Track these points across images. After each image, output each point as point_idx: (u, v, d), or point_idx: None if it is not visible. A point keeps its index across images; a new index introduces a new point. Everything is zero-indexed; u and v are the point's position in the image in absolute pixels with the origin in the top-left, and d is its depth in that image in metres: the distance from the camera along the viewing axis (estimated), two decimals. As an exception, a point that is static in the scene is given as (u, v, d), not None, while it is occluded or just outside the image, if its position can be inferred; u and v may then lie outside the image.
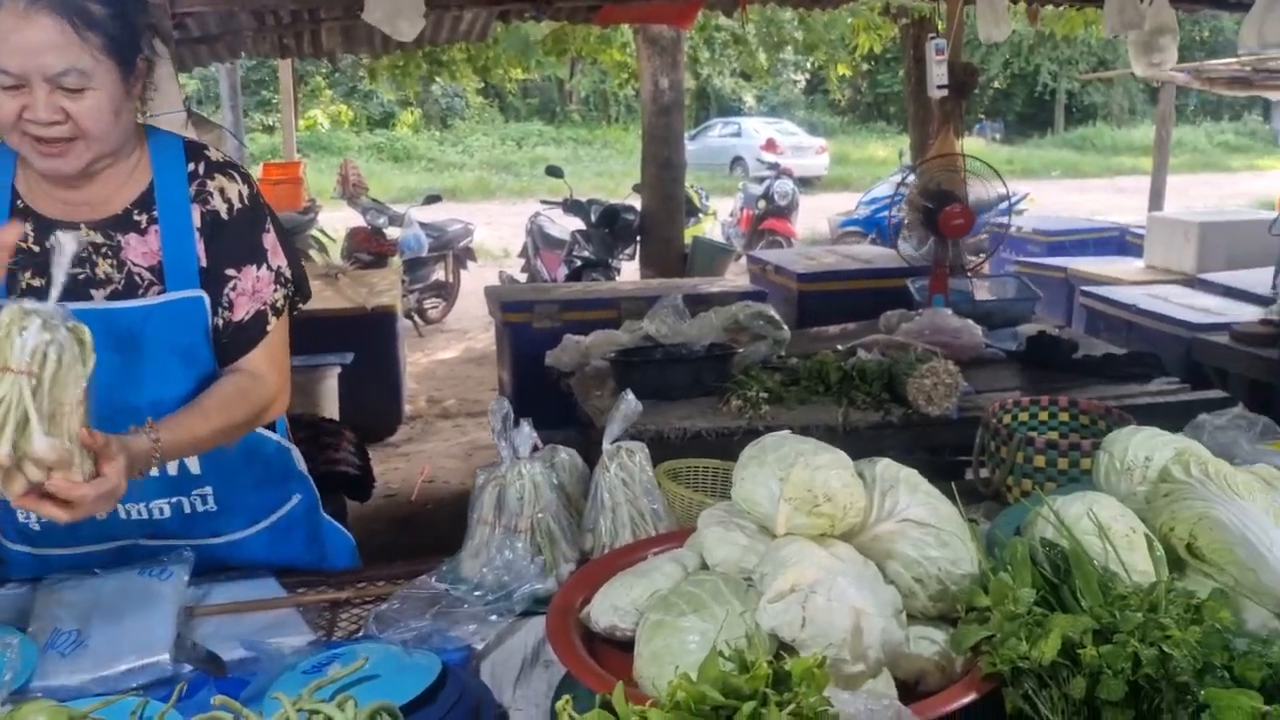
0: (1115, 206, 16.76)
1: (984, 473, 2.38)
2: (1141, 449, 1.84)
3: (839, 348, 4.22)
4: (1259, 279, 5.98)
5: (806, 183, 21.15)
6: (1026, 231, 9.84)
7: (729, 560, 1.57)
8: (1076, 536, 1.64)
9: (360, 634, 1.80)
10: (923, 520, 1.57)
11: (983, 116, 33.60)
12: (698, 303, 4.82)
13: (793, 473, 1.50)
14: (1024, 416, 2.46)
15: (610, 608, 1.62)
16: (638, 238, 8.80)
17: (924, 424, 3.48)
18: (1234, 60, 10.54)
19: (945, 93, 4.96)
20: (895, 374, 3.67)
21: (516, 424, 2.07)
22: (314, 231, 11.41)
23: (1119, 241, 9.41)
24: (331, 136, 25.76)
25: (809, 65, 25.08)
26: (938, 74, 4.86)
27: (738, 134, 24.73)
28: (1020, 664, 1.39)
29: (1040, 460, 2.18)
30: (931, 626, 1.54)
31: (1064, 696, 1.36)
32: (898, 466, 1.66)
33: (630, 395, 2.05)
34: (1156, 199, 11.03)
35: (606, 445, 2.07)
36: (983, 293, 4.93)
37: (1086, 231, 9.70)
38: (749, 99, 29.62)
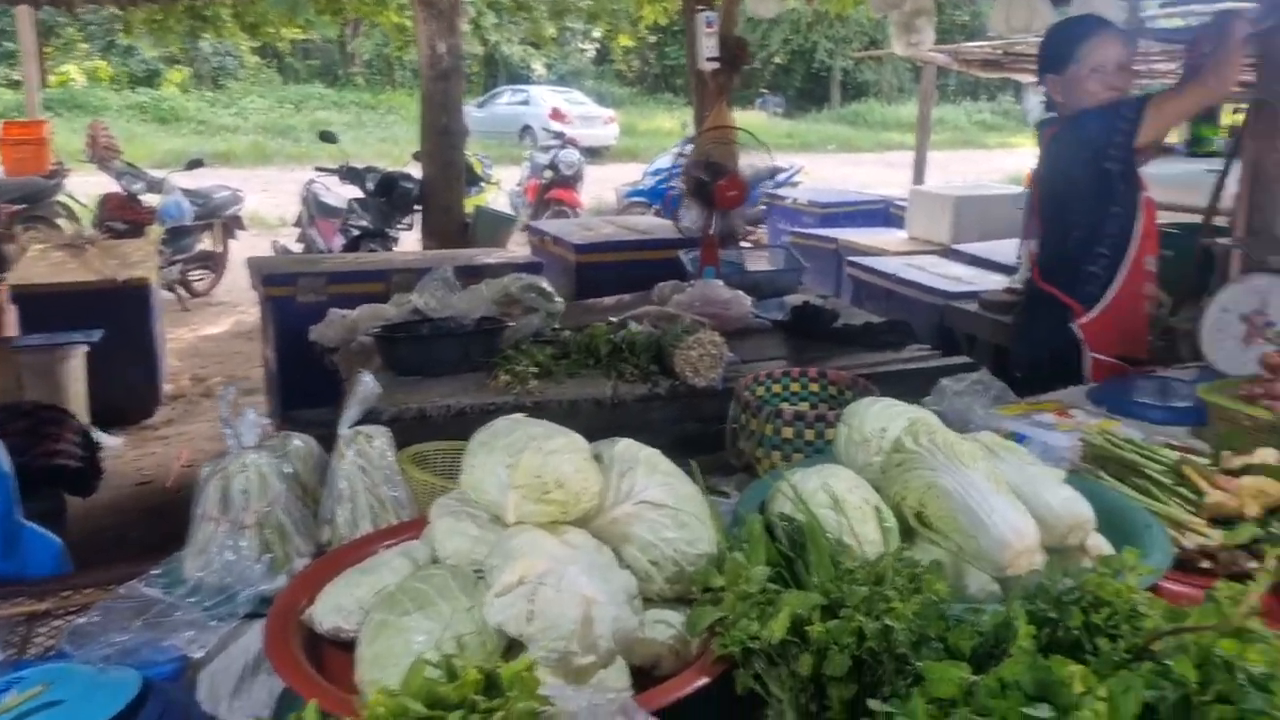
0: (885, 180, 17.61)
1: (742, 445, 2.39)
2: (878, 420, 1.87)
3: (611, 320, 4.20)
4: (1006, 249, 6.37)
5: (595, 153, 21.19)
6: (801, 203, 10.18)
7: (460, 552, 1.49)
8: (813, 510, 1.65)
9: (54, 652, 1.62)
10: (660, 502, 1.53)
11: (765, 91, 34.64)
12: (472, 275, 4.68)
13: (522, 459, 1.44)
14: (776, 388, 2.49)
15: (334, 608, 1.51)
16: (417, 207, 8.53)
17: (691, 395, 3.50)
18: (986, 43, 11.22)
19: (716, 65, 5.00)
20: (663, 346, 3.67)
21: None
22: (61, 198, 10.50)
23: (885, 213, 9.86)
24: (88, 94, 23.76)
25: (597, 35, 25.07)
26: (708, 46, 4.89)
27: (526, 102, 24.48)
28: (751, 644, 1.38)
29: (788, 432, 2.20)
30: (669, 609, 1.51)
31: (792, 674, 1.36)
32: (638, 447, 1.62)
33: (367, 377, 1.93)
34: (919, 173, 11.64)
35: (343, 430, 1.94)
36: (755, 263, 5.02)
37: (856, 204, 10.11)
38: (538, 67, 29.34)
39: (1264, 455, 1.92)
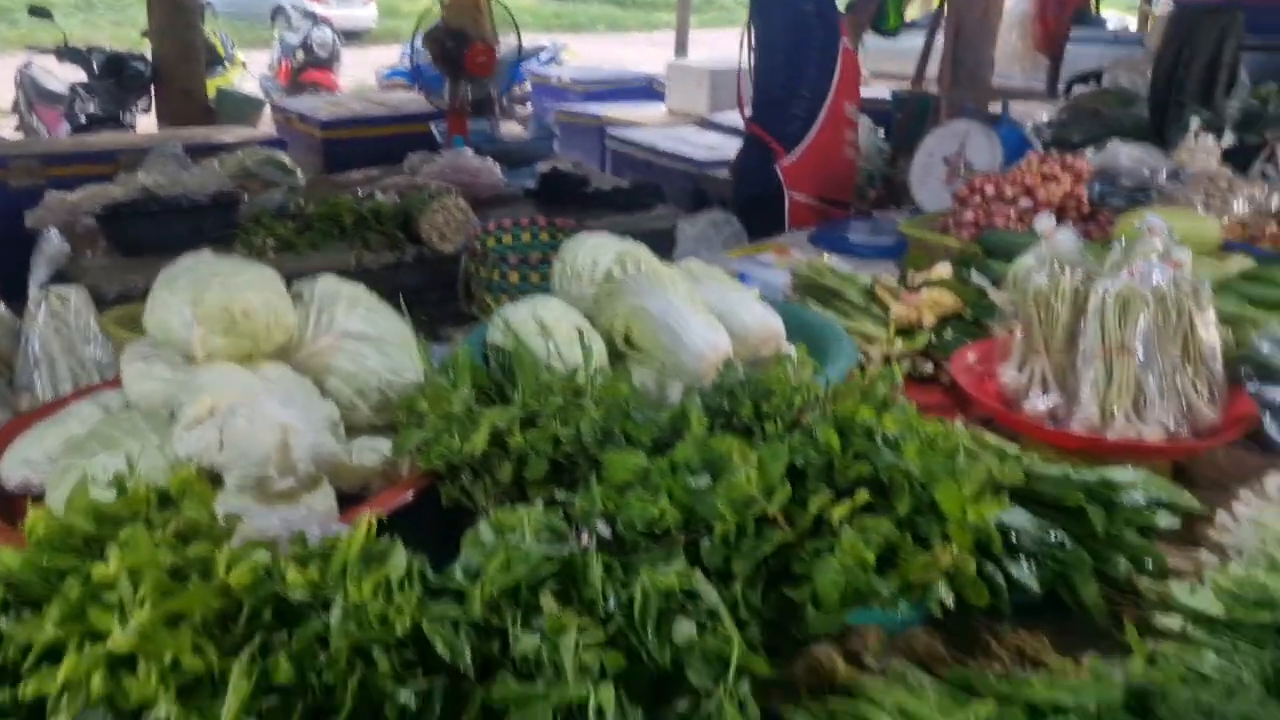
0: (652, 59, 17.59)
1: (474, 293, 2.41)
2: (590, 254, 1.92)
3: (359, 191, 4.08)
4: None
5: (355, 36, 20.08)
6: (565, 81, 10.06)
7: (152, 395, 1.45)
8: (521, 338, 1.70)
9: None
10: (362, 333, 1.54)
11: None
12: (209, 154, 4.42)
13: (207, 294, 1.40)
14: (508, 239, 2.51)
15: (21, 461, 1.45)
16: (152, 89, 7.90)
17: (438, 260, 3.47)
18: (741, -83, 11.30)
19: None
20: (410, 213, 3.62)
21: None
22: None
23: (647, 90, 9.89)
24: None
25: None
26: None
27: (276, -21, 22.78)
28: (454, 459, 1.43)
29: (515, 276, 2.24)
30: (379, 437, 1.53)
31: (495, 482, 1.42)
32: (340, 282, 1.61)
33: (52, 233, 1.82)
34: (681, 49, 11.72)
35: (33, 291, 1.82)
36: (507, 133, 4.97)
37: (619, 81, 10.09)
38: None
39: (940, 270, 2.11)
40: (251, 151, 3.98)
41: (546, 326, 1.70)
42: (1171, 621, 1.30)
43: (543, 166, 4.52)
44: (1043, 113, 6.70)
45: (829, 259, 2.70)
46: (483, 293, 2.28)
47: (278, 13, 21.85)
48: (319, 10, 17.02)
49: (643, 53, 21.01)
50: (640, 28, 26.99)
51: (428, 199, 3.60)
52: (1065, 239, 1.71)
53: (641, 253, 1.92)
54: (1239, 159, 5.14)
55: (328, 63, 11.82)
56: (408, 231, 3.62)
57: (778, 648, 1.20)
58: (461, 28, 4.60)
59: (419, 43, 4.66)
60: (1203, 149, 2.83)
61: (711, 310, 1.79)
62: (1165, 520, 1.41)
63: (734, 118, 7.01)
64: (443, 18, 4.59)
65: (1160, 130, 5.82)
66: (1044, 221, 1.72)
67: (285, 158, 4.08)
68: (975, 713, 1.04)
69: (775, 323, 1.80)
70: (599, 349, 1.76)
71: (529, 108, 11.48)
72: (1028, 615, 1.35)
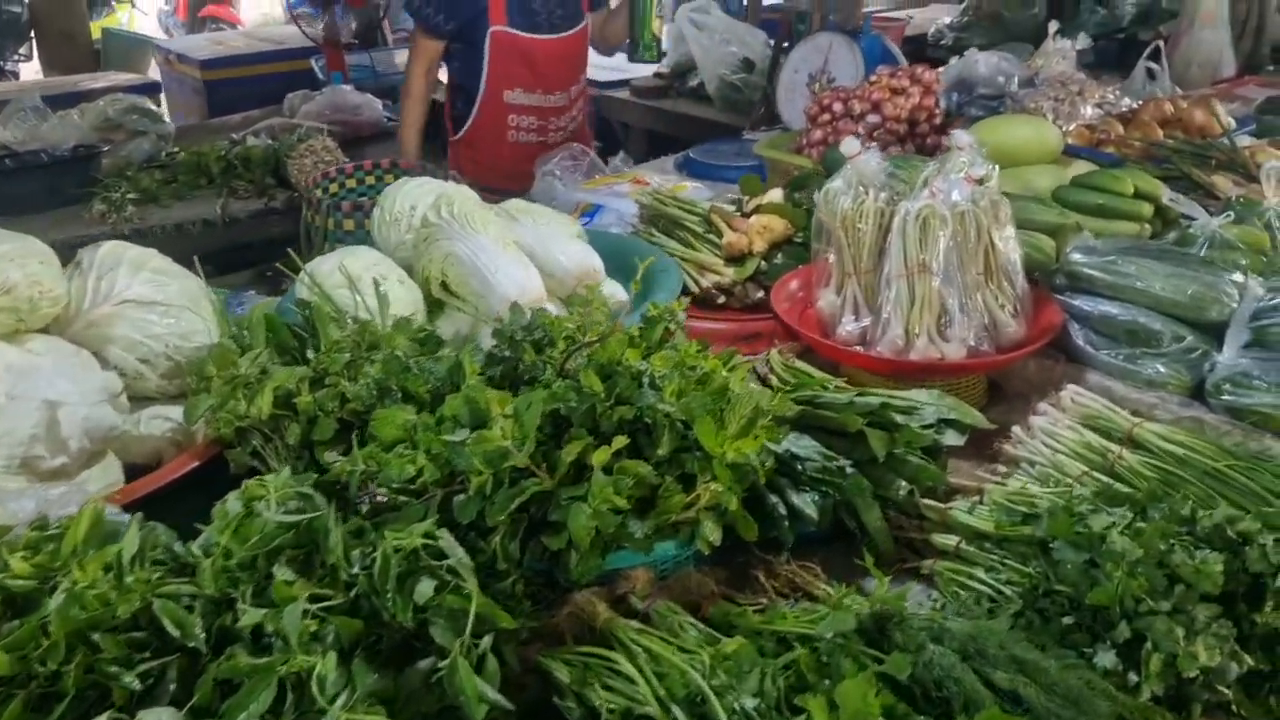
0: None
1: (315, 244, 2.36)
2: (408, 199, 1.89)
3: (234, 136, 3.96)
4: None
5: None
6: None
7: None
8: (327, 291, 1.67)
9: None
10: (146, 299, 1.50)
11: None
12: (76, 102, 4.25)
13: (-39, 269, 1.35)
14: (351, 183, 2.45)
15: None
16: (32, 35, 7.57)
17: (311, 206, 3.39)
18: None
19: None
20: (280, 157, 3.52)
21: None
22: None
23: None
24: None
25: None
26: None
27: (176, -91, 21.79)
28: (242, 424, 1.41)
29: (349, 224, 2.19)
30: (172, 405, 1.51)
31: (286, 445, 1.40)
32: (125, 247, 1.56)
33: None
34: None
35: None
36: (389, 65, 4.83)
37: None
38: None
39: (771, 195, 2.09)
40: (114, 100, 3.82)
41: (354, 278, 1.67)
42: (948, 540, 1.32)
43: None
44: (945, 16, 6.66)
45: (688, 185, 2.69)
46: (320, 242, 2.23)
47: (181, -56, 20.98)
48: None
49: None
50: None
51: (295, 142, 3.51)
52: (870, 160, 1.70)
53: (461, 194, 1.89)
54: (1127, 56, 5.16)
55: (227, -6, 11.37)
56: (278, 176, 3.52)
57: (548, 598, 1.21)
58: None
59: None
60: (1059, 53, 2.82)
61: (527, 251, 1.76)
62: (952, 439, 1.43)
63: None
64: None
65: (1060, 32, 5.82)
66: (849, 144, 1.71)
67: (150, 104, 3.93)
68: (722, 650, 1.06)
69: (591, 260, 1.78)
70: (412, 298, 1.74)
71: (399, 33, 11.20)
72: (820, 544, 1.38)
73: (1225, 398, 1.55)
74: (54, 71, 7.42)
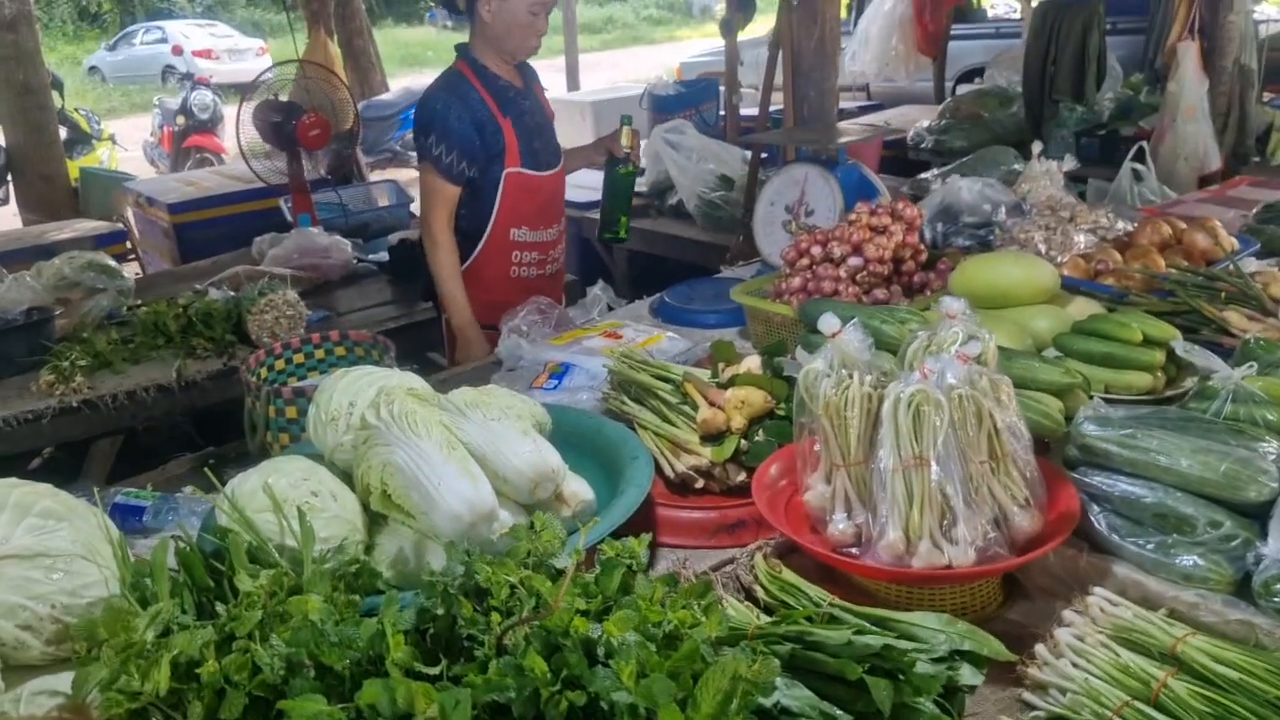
0: (558, 85, 17.43)
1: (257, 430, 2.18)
2: (345, 395, 1.71)
3: (197, 288, 3.82)
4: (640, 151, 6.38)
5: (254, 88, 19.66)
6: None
7: None
8: (250, 517, 1.48)
9: None
10: (30, 552, 1.30)
11: (433, 4, 33.41)
12: (41, 256, 4.13)
13: None
14: (299, 359, 2.29)
15: None
16: (9, 178, 7.54)
17: (251, 389, 3.23)
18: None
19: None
20: (242, 312, 3.37)
21: None
22: None
23: (540, 124, 9.70)
24: None
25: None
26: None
27: (163, 39, 22.27)
28: (135, 704, 1.20)
29: (292, 411, 2.01)
30: (63, 671, 1.30)
31: (190, 724, 1.19)
32: (11, 487, 1.37)
33: None
34: (572, 77, 11.56)
35: None
36: (359, 203, 4.73)
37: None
38: (180, -2, 26.84)
39: (748, 364, 1.92)
40: (71, 257, 3.69)
41: (279, 499, 1.48)
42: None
43: (394, 237, 4.29)
44: (925, 119, 6.63)
45: (664, 335, 2.52)
46: (262, 432, 2.05)
47: (168, 72, 21.38)
48: (210, 66, 16.65)
49: (547, 80, 20.86)
50: (545, 54, 26.80)
51: (256, 295, 3.36)
52: (853, 338, 1.53)
53: (406, 385, 1.71)
54: (1110, 153, 5.08)
55: (210, 125, 11.45)
56: (241, 333, 3.37)
57: None
58: (292, 97, 4.36)
59: (246, 116, 4.39)
60: (1045, 175, 2.68)
61: (477, 453, 1.58)
62: (969, 676, 1.23)
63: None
64: (267, 98, 4.33)
65: (1038, 129, 5.77)
66: (827, 321, 1.54)
67: (109, 259, 3.80)
68: None
69: (548, 460, 1.59)
70: (349, 515, 1.55)
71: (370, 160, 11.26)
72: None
73: (1277, 600, 1.34)
74: (31, 213, 7.38)
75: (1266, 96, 6.70)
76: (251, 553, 1.41)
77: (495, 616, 1.11)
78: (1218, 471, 1.47)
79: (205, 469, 1.63)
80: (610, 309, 3.15)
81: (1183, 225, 2.51)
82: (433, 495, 1.47)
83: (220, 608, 1.30)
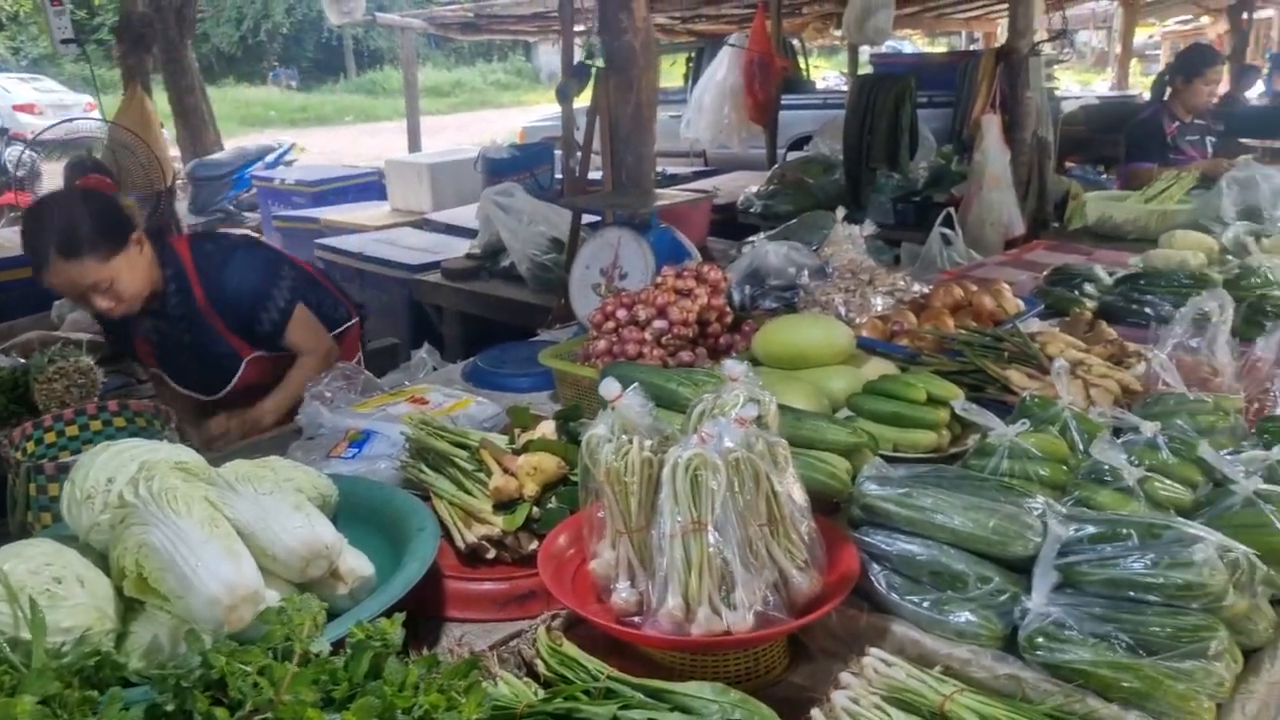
0: (396, 146, 17.29)
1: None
2: (105, 470, 1.59)
3: (-16, 356, 3.55)
4: (473, 214, 6.34)
5: (81, 144, 18.79)
6: (289, 184, 9.61)
7: None
8: (-20, 609, 1.35)
9: None
10: None
11: (276, 64, 32.82)
12: None
13: None
14: (72, 430, 2.14)
15: None
16: None
17: (10, 466, 3.01)
18: (459, 6, 11.26)
19: (74, 48, 4.37)
20: (31, 381, 3.14)
21: None
22: None
23: (379, 186, 9.56)
24: None
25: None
26: (57, 26, 4.25)
27: (-16, 97, 21.11)
28: None
29: (55, 488, 1.86)
30: None
31: None
32: None
33: None
34: (413, 140, 11.49)
35: None
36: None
37: (347, 179, 9.71)
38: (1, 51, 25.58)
39: (544, 429, 1.89)
40: None
41: (15, 588, 1.36)
42: None
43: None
44: (754, 185, 6.84)
45: (473, 400, 2.47)
46: (22, 511, 1.89)
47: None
48: (34, 122, 15.86)
49: (394, 141, 20.64)
50: (392, 116, 26.59)
51: (45, 363, 3.14)
52: (633, 402, 1.52)
53: (173, 459, 1.60)
54: (924, 218, 5.33)
55: (27, 183, 10.82)
56: (29, 404, 3.14)
57: None
58: (83, 158, 4.16)
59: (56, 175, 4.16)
60: (848, 239, 2.78)
61: (245, 530, 1.49)
62: (742, 748, 1.21)
63: (457, 215, 6.81)
64: (80, 156, 4.13)
65: (857, 195, 6.02)
66: (607, 386, 1.52)
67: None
68: None
69: (320, 535, 1.52)
70: (96, 603, 1.43)
71: (257, 215, 10.94)
72: None
73: (1040, 653, 1.38)
74: None
75: (1068, 165, 7.21)
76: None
77: (223, 712, 1.03)
78: (987, 528, 1.51)
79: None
80: (435, 371, 3.08)
81: (974, 288, 2.63)
82: (189, 577, 1.38)
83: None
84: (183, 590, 1.38)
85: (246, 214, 11.31)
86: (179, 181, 9.23)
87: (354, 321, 3.18)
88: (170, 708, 1.08)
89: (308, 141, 18.25)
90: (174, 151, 9.88)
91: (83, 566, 1.46)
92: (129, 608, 1.47)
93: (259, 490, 1.57)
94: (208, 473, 1.60)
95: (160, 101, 9.24)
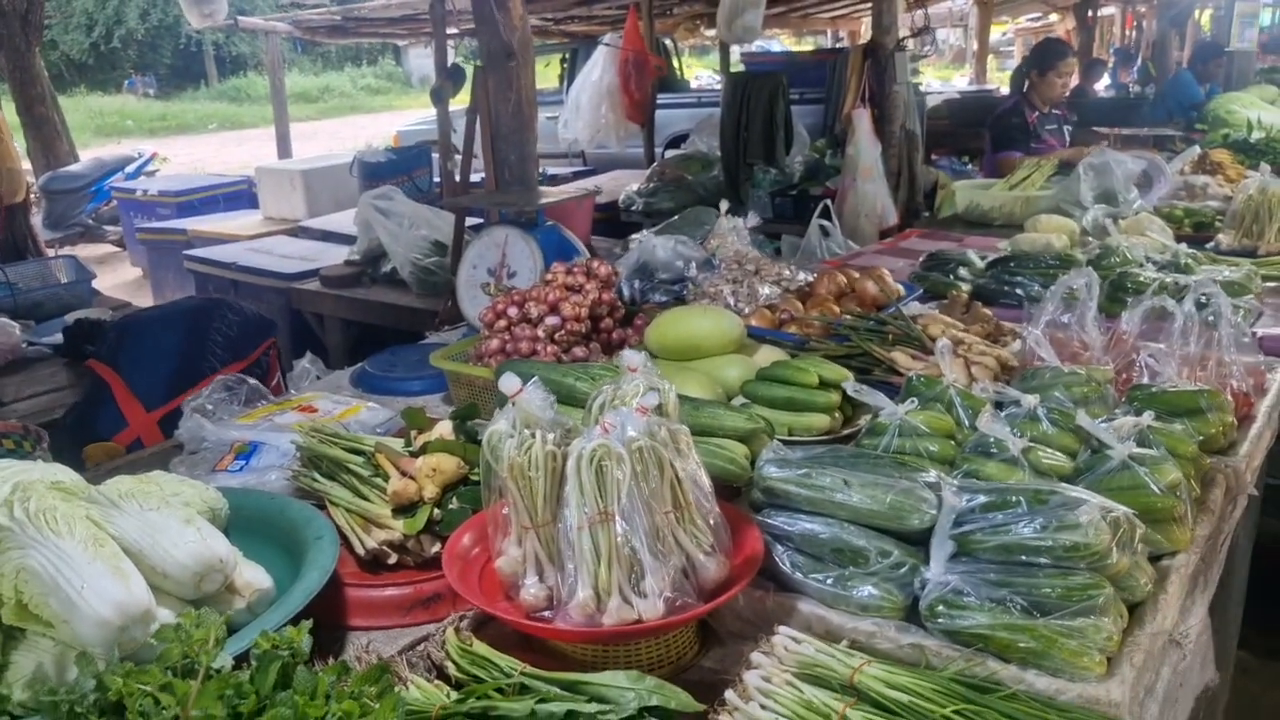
0: (265, 153, 16.80)
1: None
2: (-24, 493, 1.50)
3: None
4: (349, 220, 6.20)
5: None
6: (153, 195, 9.27)
7: None
8: None
9: None
10: None
11: (132, 71, 31.50)
12: None
13: None
14: (-68, 457, 2.00)
15: None
16: None
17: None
18: (325, 10, 10.98)
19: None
20: (-121, 409, 2.95)
21: None
22: None
23: (250, 194, 9.28)
24: None
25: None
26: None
27: None
28: None
29: (-83, 519, 1.75)
30: None
31: None
32: None
33: None
34: (283, 147, 11.18)
35: None
36: (31, 279, 4.30)
37: (216, 187, 9.41)
38: None
39: (441, 430, 1.87)
40: None
41: (-122, 622, 1.27)
42: None
43: (70, 317, 3.91)
44: (635, 183, 6.87)
45: (363, 406, 2.42)
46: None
47: None
48: None
49: (261, 149, 20.03)
50: (258, 123, 25.82)
51: (-105, 390, 2.96)
52: (534, 397, 1.51)
53: (49, 479, 1.52)
54: (802, 211, 5.45)
55: None
56: (-124, 432, 2.94)
57: None
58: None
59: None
60: (733, 231, 2.82)
61: (132, 548, 1.43)
62: (658, 732, 1.21)
63: (333, 221, 6.65)
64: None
65: (736, 190, 6.11)
66: (507, 381, 1.51)
67: None
68: None
69: (214, 549, 1.46)
70: (-29, 632, 1.35)
71: (118, 229, 10.50)
72: None
73: (940, 621, 1.42)
74: None
75: (934, 157, 7.46)
76: None
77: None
78: (884, 504, 1.55)
79: None
80: (319, 380, 3.00)
81: (856, 275, 2.69)
82: (74, 600, 1.31)
83: None
84: (68, 614, 1.32)
85: (107, 227, 10.84)
86: (33, 195, 8.77)
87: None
88: (66, 731, 1.02)
89: (170, 151, 17.60)
90: (25, 164, 9.41)
91: (-45, 596, 1.37)
92: (8, 637, 1.39)
93: (144, 506, 1.50)
94: (88, 491, 1.53)
95: (8, 112, 8.80)
